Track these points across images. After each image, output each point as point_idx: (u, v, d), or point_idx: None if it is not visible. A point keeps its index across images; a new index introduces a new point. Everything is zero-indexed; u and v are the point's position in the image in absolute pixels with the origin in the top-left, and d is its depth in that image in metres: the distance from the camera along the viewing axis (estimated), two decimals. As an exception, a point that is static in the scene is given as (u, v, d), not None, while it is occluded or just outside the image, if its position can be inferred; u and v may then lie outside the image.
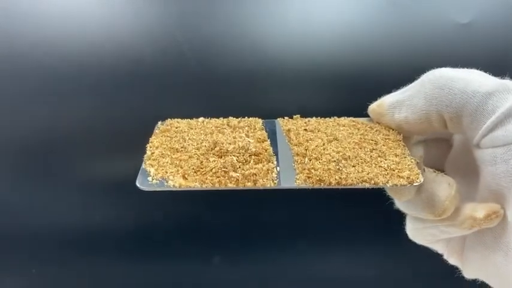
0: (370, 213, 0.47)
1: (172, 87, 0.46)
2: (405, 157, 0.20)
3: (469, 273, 0.21)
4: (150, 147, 0.21)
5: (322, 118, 0.24)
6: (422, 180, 0.19)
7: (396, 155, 0.20)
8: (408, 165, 0.19)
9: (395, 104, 0.20)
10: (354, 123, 0.23)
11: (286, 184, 0.19)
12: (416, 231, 0.22)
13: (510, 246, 0.18)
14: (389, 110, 0.21)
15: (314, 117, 0.24)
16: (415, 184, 0.19)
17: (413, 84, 0.20)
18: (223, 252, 0.51)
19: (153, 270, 0.51)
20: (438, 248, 0.23)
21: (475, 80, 0.18)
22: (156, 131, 0.23)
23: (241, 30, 0.45)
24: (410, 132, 0.21)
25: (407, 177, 0.19)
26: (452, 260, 0.22)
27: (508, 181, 0.17)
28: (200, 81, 0.45)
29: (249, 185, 0.18)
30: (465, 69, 0.19)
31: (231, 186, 0.18)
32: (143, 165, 0.20)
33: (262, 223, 0.50)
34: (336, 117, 0.24)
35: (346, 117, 0.24)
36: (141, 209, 0.48)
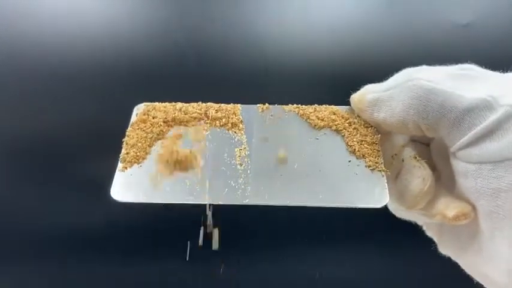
0: (371, 215, 0.47)
1: (172, 86, 0.46)
2: (377, 167, 0.20)
3: (443, 251, 0.22)
4: (127, 143, 0.21)
5: (302, 108, 0.23)
6: (385, 202, 0.19)
7: (368, 166, 0.20)
8: (378, 180, 0.20)
9: (375, 102, 0.20)
10: (334, 116, 0.22)
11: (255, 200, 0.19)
12: (393, 209, 0.23)
13: (482, 248, 0.18)
14: (369, 107, 0.20)
15: (294, 105, 0.23)
16: (377, 207, 0.19)
17: (395, 81, 0.20)
18: (223, 253, 0.51)
19: (153, 271, 0.51)
20: (417, 221, 0.23)
21: (454, 94, 0.17)
22: (133, 119, 0.22)
23: (241, 30, 0.45)
24: (389, 130, 0.21)
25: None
26: (429, 234, 0.23)
27: (475, 196, 0.18)
28: (200, 81, 0.45)
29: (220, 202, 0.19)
30: (451, 73, 0.18)
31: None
32: (118, 169, 0.20)
33: (262, 223, 0.50)
34: (316, 106, 0.23)
35: (327, 106, 0.23)
36: (142, 209, 0.48)
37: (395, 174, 0.21)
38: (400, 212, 0.23)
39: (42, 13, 0.45)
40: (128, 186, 0.20)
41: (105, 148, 0.47)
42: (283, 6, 0.45)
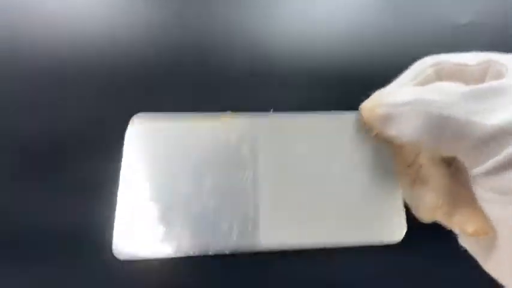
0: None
1: (172, 86, 0.46)
2: (393, 192, 0.19)
3: (463, 245, 0.21)
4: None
5: (313, 117, 0.21)
6: (402, 236, 0.18)
7: (384, 192, 0.19)
8: (394, 209, 0.19)
9: (386, 118, 0.18)
10: (347, 129, 0.21)
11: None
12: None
13: (500, 262, 0.18)
14: (380, 122, 0.19)
15: (306, 115, 0.21)
16: (394, 241, 0.19)
17: (409, 97, 0.18)
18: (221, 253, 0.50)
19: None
20: None
21: (471, 122, 0.15)
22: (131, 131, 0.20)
23: (241, 30, 0.45)
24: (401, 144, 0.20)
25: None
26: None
27: (494, 220, 0.17)
28: (200, 81, 0.45)
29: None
30: (469, 91, 0.16)
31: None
32: (116, 218, 0.18)
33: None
34: (328, 115, 0.21)
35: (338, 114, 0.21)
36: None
37: (411, 182, 0.20)
38: None
39: (42, 13, 0.44)
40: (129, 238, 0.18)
41: (106, 148, 0.47)
42: (286, 6, 0.45)
